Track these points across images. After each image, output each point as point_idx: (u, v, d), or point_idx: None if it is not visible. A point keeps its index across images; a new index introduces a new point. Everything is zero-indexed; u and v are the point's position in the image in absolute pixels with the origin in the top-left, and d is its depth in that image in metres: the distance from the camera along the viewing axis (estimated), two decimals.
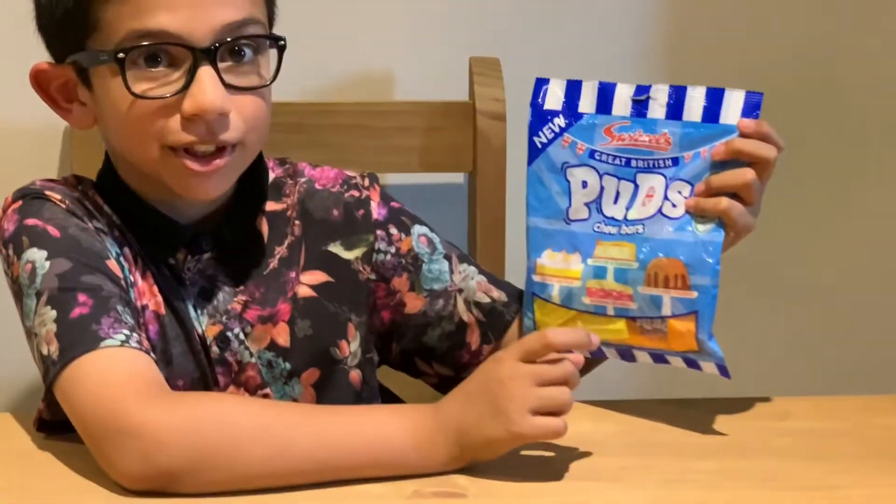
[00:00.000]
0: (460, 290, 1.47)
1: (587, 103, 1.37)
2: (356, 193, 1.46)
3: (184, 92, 1.30)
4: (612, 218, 1.36)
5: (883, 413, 1.44)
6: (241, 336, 1.39)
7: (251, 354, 1.39)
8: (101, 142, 1.40)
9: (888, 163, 1.99)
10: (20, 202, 1.35)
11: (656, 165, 1.35)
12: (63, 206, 1.34)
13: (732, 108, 1.33)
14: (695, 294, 1.32)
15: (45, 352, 1.27)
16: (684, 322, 1.32)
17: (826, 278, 2.04)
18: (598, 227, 1.37)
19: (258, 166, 1.40)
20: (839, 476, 1.29)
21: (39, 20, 1.37)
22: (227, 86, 1.31)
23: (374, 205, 1.46)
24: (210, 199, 1.36)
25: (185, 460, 1.20)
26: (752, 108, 1.32)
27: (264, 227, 1.41)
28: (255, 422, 1.23)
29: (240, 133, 1.33)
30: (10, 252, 1.33)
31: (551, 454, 1.30)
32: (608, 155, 1.36)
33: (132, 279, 1.34)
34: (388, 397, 1.53)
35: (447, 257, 1.47)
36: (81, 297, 1.27)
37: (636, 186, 1.35)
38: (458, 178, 1.92)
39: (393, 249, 1.46)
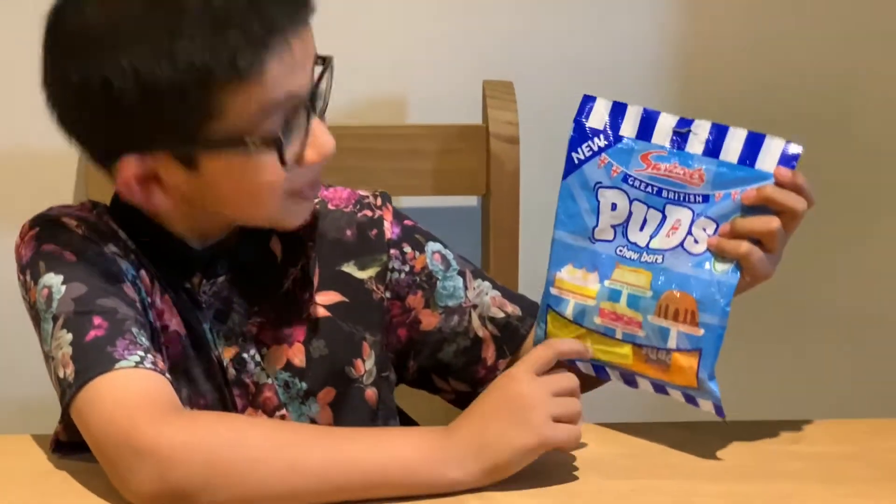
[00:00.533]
0: (475, 306, 1.48)
1: (629, 127, 1.37)
2: (369, 213, 1.47)
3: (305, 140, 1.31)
4: (636, 244, 1.37)
5: (895, 436, 1.43)
6: (258, 357, 1.40)
7: (268, 376, 1.40)
8: None
9: None
10: (37, 229, 1.36)
11: (686, 199, 1.35)
12: (79, 231, 1.35)
13: (770, 156, 1.33)
14: (701, 331, 1.32)
15: (61, 374, 1.28)
16: (687, 358, 1.33)
17: (841, 301, 2.04)
18: (620, 251, 1.37)
19: None
20: (851, 499, 1.29)
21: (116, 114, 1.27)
22: None
23: (387, 224, 1.47)
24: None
25: (198, 479, 1.21)
26: (789, 159, 1.33)
27: (278, 249, 1.42)
28: (269, 441, 1.24)
29: None
30: (28, 278, 1.34)
31: (559, 476, 1.31)
32: (641, 182, 1.36)
33: (150, 300, 1.35)
34: (404, 420, 1.54)
35: (461, 273, 1.48)
36: (97, 320, 1.28)
37: (664, 216, 1.36)
38: (472, 201, 1.93)
39: (407, 268, 1.47)
